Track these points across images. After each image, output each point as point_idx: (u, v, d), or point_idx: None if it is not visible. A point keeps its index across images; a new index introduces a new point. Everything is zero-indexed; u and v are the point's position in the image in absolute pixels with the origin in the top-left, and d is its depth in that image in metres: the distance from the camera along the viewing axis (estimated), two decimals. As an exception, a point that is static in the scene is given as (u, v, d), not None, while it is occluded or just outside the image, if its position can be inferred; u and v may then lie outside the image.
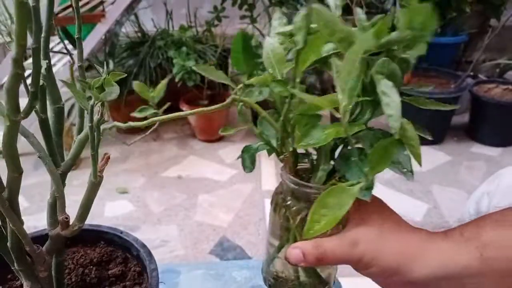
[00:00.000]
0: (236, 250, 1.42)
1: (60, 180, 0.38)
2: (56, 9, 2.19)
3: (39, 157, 0.37)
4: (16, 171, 0.33)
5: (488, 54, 2.32)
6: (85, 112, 0.36)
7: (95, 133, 0.35)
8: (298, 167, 0.52)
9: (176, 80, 1.89)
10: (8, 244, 0.37)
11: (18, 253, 0.38)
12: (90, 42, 1.87)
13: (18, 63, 0.28)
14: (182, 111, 1.97)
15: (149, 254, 0.50)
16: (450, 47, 2.29)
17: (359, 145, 0.47)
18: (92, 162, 0.35)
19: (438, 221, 1.57)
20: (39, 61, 0.29)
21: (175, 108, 2.06)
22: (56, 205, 0.39)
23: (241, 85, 0.46)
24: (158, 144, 2.06)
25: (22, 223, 0.36)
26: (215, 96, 1.98)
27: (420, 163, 0.45)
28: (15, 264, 0.39)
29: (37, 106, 0.38)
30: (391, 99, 0.42)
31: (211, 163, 1.92)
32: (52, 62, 2.27)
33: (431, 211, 1.63)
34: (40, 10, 0.35)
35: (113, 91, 0.33)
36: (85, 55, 1.74)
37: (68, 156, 0.40)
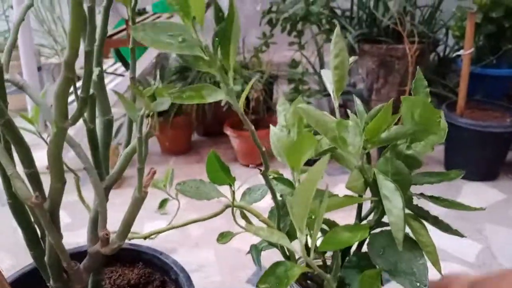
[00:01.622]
0: (274, 279, 1.37)
1: (104, 194, 0.36)
2: (110, 31, 2.27)
3: (84, 168, 0.36)
4: (59, 181, 0.31)
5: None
6: (134, 124, 0.34)
7: (143, 147, 0.34)
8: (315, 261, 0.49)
9: (222, 104, 1.90)
10: (46, 258, 0.36)
11: (55, 269, 0.36)
12: (141, 64, 1.92)
13: (70, 66, 0.26)
14: (225, 134, 1.98)
15: (189, 279, 0.47)
16: (505, 80, 2.19)
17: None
18: (138, 177, 0.33)
19: (490, 262, 1.46)
20: (91, 65, 0.28)
21: (220, 132, 2.06)
22: (98, 220, 0.37)
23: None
24: (200, 167, 2.06)
25: (61, 237, 0.34)
26: (259, 121, 1.97)
27: (440, 272, 0.39)
28: (51, 280, 0.38)
29: (85, 115, 0.37)
30: (392, 204, 0.37)
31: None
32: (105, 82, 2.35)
33: (483, 251, 1.52)
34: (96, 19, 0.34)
35: (164, 102, 0.31)
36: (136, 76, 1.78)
37: (113, 169, 0.38)
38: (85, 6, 0.27)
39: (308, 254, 0.48)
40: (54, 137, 0.29)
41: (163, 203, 0.61)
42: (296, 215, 0.35)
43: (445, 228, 0.46)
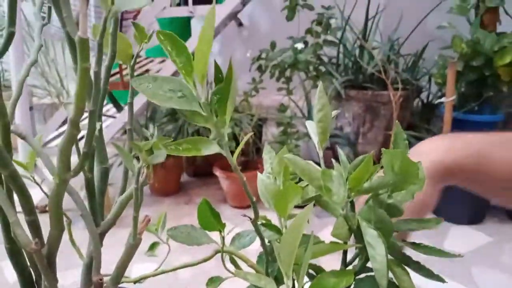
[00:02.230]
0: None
1: (99, 240, 0.38)
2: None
3: (81, 215, 0.38)
4: (58, 229, 0.33)
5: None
6: (130, 173, 0.37)
7: (139, 195, 0.36)
8: None
9: (212, 146, 1.93)
10: (41, 303, 0.37)
11: (49, 313, 0.37)
12: (134, 106, 1.95)
13: (75, 124, 0.29)
14: (215, 175, 1.99)
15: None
16: (487, 125, 2.26)
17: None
18: (133, 224, 0.35)
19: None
20: (95, 123, 0.30)
21: (209, 173, 2.08)
22: (92, 265, 0.39)
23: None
24: (189, 208, 2.06)
25: (56, 281, 0.35)
26: (248, 162, 2.00)
27: None
28: (45, 324, 0.39)
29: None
30: (376, 251, 0.39)
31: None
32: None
33: (472, 295, 1.53)
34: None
35: (160, 155, 0.34)
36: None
37: (108, 216, 0.40)
38: (91, 71, 0.30)
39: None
40: (57, 188, 0.31)
41: (153, 247, 0.62)
42: (283, 261, 0.36)
43: (427, 274, 0.48)
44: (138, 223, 0.36)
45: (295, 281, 0.39)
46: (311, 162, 0.47)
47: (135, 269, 1.51)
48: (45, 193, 0.39)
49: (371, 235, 0.42)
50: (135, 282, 0.51)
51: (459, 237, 1.87)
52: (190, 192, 2.23)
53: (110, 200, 2.02)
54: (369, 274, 0.46)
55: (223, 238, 0.47)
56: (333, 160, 0.51)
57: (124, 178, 0.41)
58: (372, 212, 0.45)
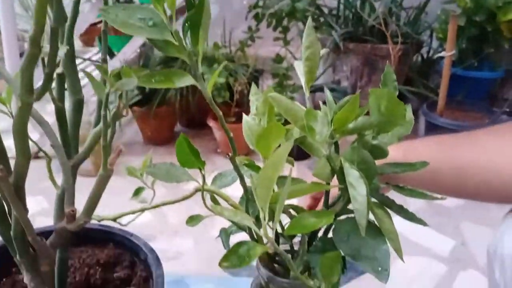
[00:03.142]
0: (251, 269, 1.38)
1: (70, 172, 0.37)
2: (95, 20, 2.25)
3: (51, 145, 0.36)
4: (24, 156, 0.32)
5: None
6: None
7: (110, 125, 0.34)
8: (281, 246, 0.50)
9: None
10: (11, 232, 0.36)
11: (21, 243, 0.37)
12: (125, 53, 1.91)
13: (35, 41, 0.27)
14: (209, 126, 1.98)
15: (157, 259, 0.48)
16: (486, 82, 2.23)
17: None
18: (103, 154, 0.33)
19: (465, 258, 1.49)
20: (57, 42, 0.28)
21: (203, 123, 2.06)
22: (64, 198, 0.38)
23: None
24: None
25: (26, 211, 0.35)
26: (242, 113, 1.98)
27: (402, 258, 0.41)
28: (18, 255, 0.38)
29: (54, 94, 0.37)
30: (357, 192, 0.38)
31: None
32: (89, 70, 2.32)
33: (458, 247, 1.55)
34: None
35: (130, 83, 0.32)
36: (118, 64, 1.78)
37: (82, 149, 0.39)
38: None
39: (277, 239, 0.49)
40: (19, 112, 0.29)
41: (138, 191, 0.62)
42: (259, 196, 0.36)
43: (409, 217, 0.47)
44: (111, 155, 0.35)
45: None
46: (296, 102, 0.46)
47: (126, 217, 1.52)
48: (33, 141, 0.37)
49: (353, 175, 0.41)
50: (114, 220, 0.50)
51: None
52: (183, 142, 2.23)
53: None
54: (350, 215, 0.46)
55: (203, 176, 0.46)
56: (321, 103, 0.49)
57: (97, 111, 0.39)
58: (356, 153, 0.44)
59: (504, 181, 0.60)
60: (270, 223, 0.36)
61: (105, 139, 0.32)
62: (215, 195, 0.50)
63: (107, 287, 0.47)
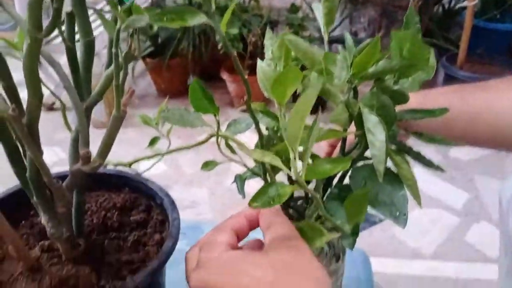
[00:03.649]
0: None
1: (83, 114, 0.37)
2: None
3: (64, 87, 0.36)
4: (36, 96, 0.32)
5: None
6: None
7: (122, 66, 0.33)
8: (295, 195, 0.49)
9: (218, 47, 1.87)
10: (27, 174, 0.36)
11: (37, 185, 0.37)
12: (137, 2, 1.87)
13: (41, -27, 0.26)
14: (222, 79, 1.96)
15: (172, 203, 0.48)
16: (507, 35, 2.15)
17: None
18: (115, 94, 0.33)
19: (478, 211, 1.50)
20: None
21: (216, 76, 2.04)
22: (78, 140, 0.38)
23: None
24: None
25: (41, 152, 0.35)
26: (256, 66, 1.95)
27: (420, 204, 0.40)
28: (34, 196, 0.39)
29: (65, 35, 0.36)
30: (375, 138, 0.37)
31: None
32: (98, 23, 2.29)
33: (472, 201, 1.56)
34: None
35: (140, 19, 0.31)
36: (130, 13, 1.74)
37: (94, 90, 0.38)
38: None
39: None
40: (28, 48, 0.29)
41: (153, 141, 0.61)
42: (290, 134, 0.35)
43: (427, 163, 0.47)
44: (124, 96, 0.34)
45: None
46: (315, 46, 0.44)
47: (141, 165, 1.55)
48: (48, 88, 0.36)
49: (372, 121, 0.40)
50: (130, 165, 0.50)
51: (464, 147, 1.87)
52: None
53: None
54: (367, 162, 0.45)
55: (218, 122, 0.45)
56: (339, 47, 0.48)
57: (109, 51, 0.38)
58: (375, 98, 0.43)
59: None
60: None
61: (117, 79, 0.31)
62: (229, 142, 0.49)
63: (124, 230, 0.48)
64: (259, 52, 1.90)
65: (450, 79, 1.90)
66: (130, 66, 0.36)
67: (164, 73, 1.99)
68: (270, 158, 0.38)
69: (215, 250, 0.35)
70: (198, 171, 1.77)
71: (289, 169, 0.36)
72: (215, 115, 0.46)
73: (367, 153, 0.45)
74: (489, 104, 0.59)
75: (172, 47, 1.92)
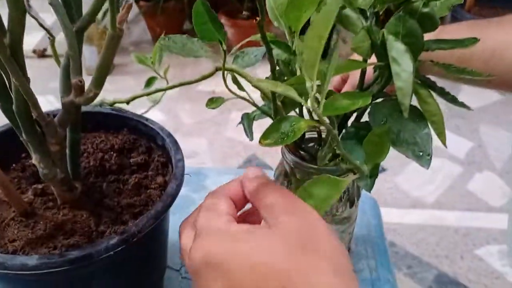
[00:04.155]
0: (264, 168, 1.38)
1: (74, 36, 0.32)
2: None
3: (50, 3, 0.31)
4: (17, 9, 0.27)
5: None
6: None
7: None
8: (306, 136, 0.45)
9: (217, -11, 1.78)
10: (14, 106, 0.32)
11: (26, 120, 0.33)
12: None
13: None
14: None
15: (175, 143, 0.45)
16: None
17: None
18: (110, 10, 0.28)
19: (481, 161, 1.48)
20: None
21: (213, 20, 1.95)
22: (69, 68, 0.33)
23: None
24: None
25: (27, 80, 0.30)
26: (257, 8, 1.86)
27: (444, 143, 0.37)
28: (23, 133, 0.34)
29: None
30: (401, 68, 0.33)
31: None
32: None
33: (475, 149, 1.53)
34: None
35: None
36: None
37: (86, 11, 0.33)
38: None
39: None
40: None
41: (150, 81, 0.56)
42: (306, 61, 0.30)
43: (451, 99, 0.43)
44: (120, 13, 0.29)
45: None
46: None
47: (138, 111, 1.50)
48: (41, 25, 0.31)
49: (398, 49, 0.35)
50: (128, 102, 0.46)
51: (472, 93, 1.82)
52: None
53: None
54: (388, 98, 0.41)
55: (224, 52, 0.40)
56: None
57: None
58: (402, 23, 0.38)
59: None
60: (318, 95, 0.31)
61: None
62: (236, 76, 0.44)
63: (124, 172, 0.45)
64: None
65: (456, 22, 1.83)
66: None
67: (158, 17, 1.90)
68: (283, 88, 0.33)
69: (218, 220, 0.29)
70: (196, 121, 1.74)
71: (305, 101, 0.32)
72: (221, 43, 0.41)
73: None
74: (508, 40, 0.55)
75: (167, -11, 1.83)
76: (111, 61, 0.31)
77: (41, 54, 2.01)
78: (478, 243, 1.18)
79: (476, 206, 1.30)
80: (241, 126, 0.48)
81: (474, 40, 0.42)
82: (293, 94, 0.32)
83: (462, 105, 0.44)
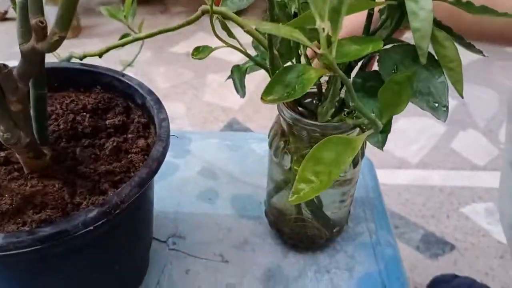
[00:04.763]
0: (246, 132, 1.33)
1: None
2: None
3: None
4: None
5: None
6: None
7: None
8: None
9: None
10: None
11: (-24, 70, 0.27)
12: None
13: None
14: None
15: (158, 101, 0.39)
16: None
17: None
18: None
19: (464, 119, 1.46)
20: None
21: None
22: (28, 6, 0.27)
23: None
24: (165, 18, 1.89)
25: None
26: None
27: (461, 93, 0.33)
28: (-25, 89, 0.29)
29: None
30: (419, 5, 0.29)
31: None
32: None
33: (458, 108, 1.52)
34: None
35: None
36: None
37: None
38: None
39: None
40: None
41: (124, 37, 0.50)
42: None
43: (467, 45, 0.39)
44: None
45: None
46: None
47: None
48: None
49: (413, -18, 0.30)
50: (100, 56, 0.40)
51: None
52: (165, 1, 2.02)
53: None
54: (398, 43, 0.37)
55: (212, -8, 0.35)
56: None
57: None
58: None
59: None
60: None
61: None
62: (225, 22, 0.39)
63: (99, 136, 0.39)
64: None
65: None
66: None
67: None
68: (287, 31, 0.27)
69: None
70: (172, 85, 1.66)
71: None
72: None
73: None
74: None
75: None
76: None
77: (1, 17, 1.87)
78: (464, 201, 1.18)
79: (461, 165, 1.29)
80: (219, 88, 0.43)
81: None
82: (300, 36, 0.26)
83: (479, 51, 0.40)
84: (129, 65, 0.59)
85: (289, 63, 0.40)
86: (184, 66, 1.56)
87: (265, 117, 1.39)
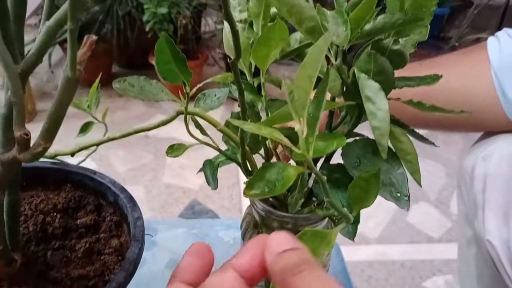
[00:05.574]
0: (208, 214, 1.32)
1: (19, 80, 0.26)
2: None
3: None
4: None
5: (468, 30, 2.28)
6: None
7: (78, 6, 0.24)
8: None
9: (147, 29, 1.73)
10: None
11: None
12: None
13: None
14: (152, 65, 1.83)
15: (131, 199, 0.39)
16: (434, 19, 2.24)
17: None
18: (69, 45, 0.23)
19: (415, 192, 1.53)
20: None
21: (145, 63, 1.90)
22: (12, 117, 0.28)
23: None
24: (124, 101, 1.91)
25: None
26: (188, 52, 1.83)
27: (419, 182, 0.36)
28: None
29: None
30: (377, 106, 0.32)
31: (181, 122, 1.79)
32: None
33: (410, 182, 1.59)
34: None
35: None
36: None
37: (33, 48, 0.28)
38: None
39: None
40: None
41: (86, 127, 0.51)
42: (296, 101, 0.28)
43: (420, 138, 0.42)
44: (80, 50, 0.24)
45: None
46: None
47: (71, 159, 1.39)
48: None
49: (371, 88, 0.34)
50: (72, 154, 0.40)
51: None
52: (123, 85, 2.06)
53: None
54: (357, 138, 0.40)
55: (187, 94, 0.37)
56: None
57: (49, -2, 0.28)
58: (373, 61, 0.37)
59: (474, 102, 0.57)
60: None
61: (73, 20, 0.22)
62: (198, 121, 0.41)
63: (70, 237, 0.38)
64: (190, 36, 1.79)
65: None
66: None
67: (86, 61, 1.82)
68: (268, 132, 0.30)
69: None
70: (131, 168, 1.64)
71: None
72: (184, 85, 0.37)
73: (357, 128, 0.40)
74: (439, 82, 0.58)
75: (93, 31, 1.75)
76: (65, 110, 0.26)
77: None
78: (424, 275, 1.20)
79: (417, 239, 1.33)
80: (179, 169, 0.44)
81: (436, 77, 0.42)
82: (280, 137, 0.28)
83: (431, 143, 0.44)
84: (93, 151, 0.59)
85: (264, 161, 0.42)
86: (142, 149, 1.56)
87: (226, 196, 1.39)
